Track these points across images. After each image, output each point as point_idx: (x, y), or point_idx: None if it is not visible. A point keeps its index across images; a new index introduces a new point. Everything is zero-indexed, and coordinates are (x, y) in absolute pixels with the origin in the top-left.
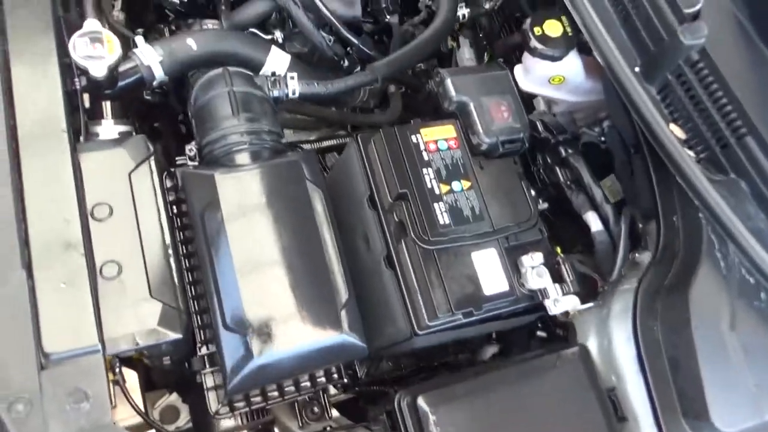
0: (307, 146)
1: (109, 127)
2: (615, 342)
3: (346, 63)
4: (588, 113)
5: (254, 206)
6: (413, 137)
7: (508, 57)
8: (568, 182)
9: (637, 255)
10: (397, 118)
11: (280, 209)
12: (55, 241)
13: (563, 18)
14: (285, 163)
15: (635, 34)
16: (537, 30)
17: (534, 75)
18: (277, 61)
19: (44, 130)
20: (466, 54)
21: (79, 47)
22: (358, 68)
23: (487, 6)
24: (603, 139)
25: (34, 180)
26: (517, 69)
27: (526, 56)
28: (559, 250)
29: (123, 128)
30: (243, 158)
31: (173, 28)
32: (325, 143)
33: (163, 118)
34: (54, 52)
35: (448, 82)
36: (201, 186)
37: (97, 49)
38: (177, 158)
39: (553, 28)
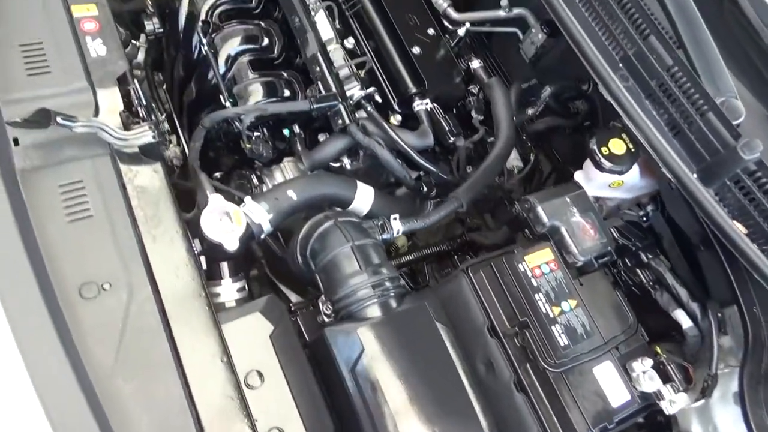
0: None
1: (228, 286)
2: (721, 428)
3: (425, 189)
4: (632, 202)
5: (398, 355)
6: (520, 266)
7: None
8: (651, 282)
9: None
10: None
11: (420, 354)
12: (223, 417)
13: (624, 135)
14: (414, 309)
15: (689, 145)
16: (604, 150)
17: (596, 182)
18: (364, 195)
19: (188, 308)
20: (512, 154)
21: (210, 224)
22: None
23: (530, 112)
24: (645, 219)
25: (191, 360)
26: (578, 176)
27: (590, 167)
28: (659, 350)
29: (239, 284)
30: (374, 311)
31: (258, 173)
32: (404, 259)
33: None
34: (180, 231)
35: (540, 209)
36: (346, 343)
37: (225, 223)
38: (291, 305)
39: (617, 146)
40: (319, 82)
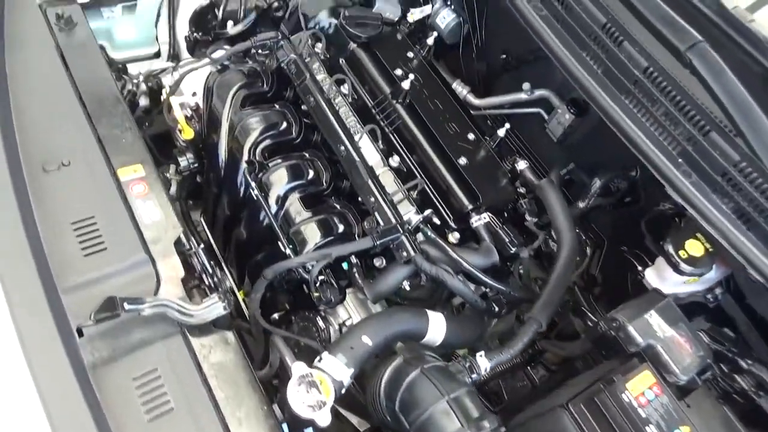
0: None
1: None
2: None
3: (496, 309)
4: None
5: None
6: (623, 395)
7: None
8: (753, 389)
9: None
10: None
11: None
12: None
13: (699, 236)
14: None
15: (765, 237)
16: (682, 253)
17: (671, 281)
18: (437, 326)
19: None
20: None
21: (298, 401)
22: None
23: (581, 206)
24: (712, 300)
25: None
26: (650, 276)
27: (665, 269)
28: None
29: None
30: None
31: (322, 314)
32: None
33: None
34: (265, 407)
35: (631, 329)
36: None
37: (313, 395)
38: None
39: (694, 248)
40: (376, 213)
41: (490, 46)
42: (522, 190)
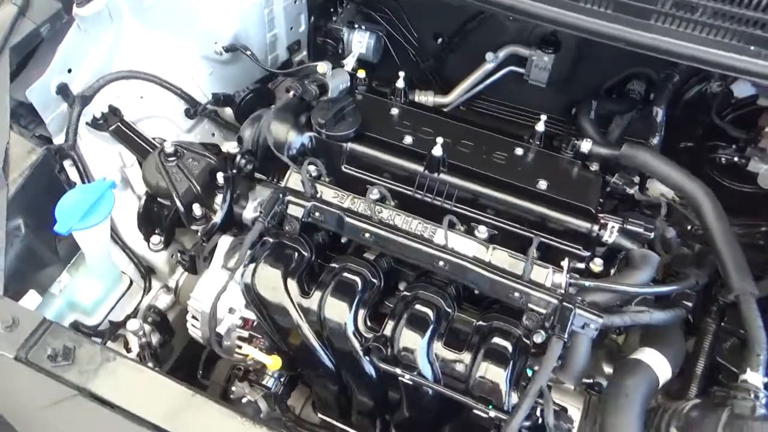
0: None
1: None
2: None
3: (689, 304)
4: None
5: None
6: None
7: None
8: None
9: None
10: None
11: None
12: None
13: None
14: None
15: None
16: None
17: None
18: (659, 365)
19: None
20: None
21: None
22: None
23: (655, 142)
24: None
25: None
26: None
27: None
28: None
29: None
30: None
31: None
32: None
33: None
34: None
35: None
36: None
37: None
38: None
39: None
40: (530, 305)
41: (421, 40)
42: (595, 167)
